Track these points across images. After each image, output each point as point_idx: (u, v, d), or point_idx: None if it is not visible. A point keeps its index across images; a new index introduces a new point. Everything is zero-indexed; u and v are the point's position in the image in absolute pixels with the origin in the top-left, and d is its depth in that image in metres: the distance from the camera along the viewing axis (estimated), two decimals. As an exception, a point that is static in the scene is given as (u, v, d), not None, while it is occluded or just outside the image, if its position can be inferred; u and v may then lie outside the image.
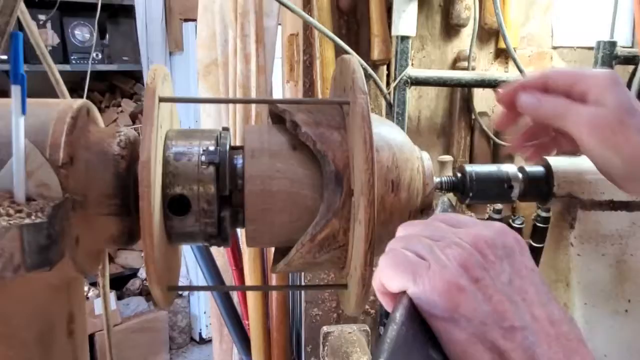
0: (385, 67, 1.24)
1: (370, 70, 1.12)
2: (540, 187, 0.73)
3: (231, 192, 0.64)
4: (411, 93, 1.31)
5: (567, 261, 0.74)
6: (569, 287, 0.73)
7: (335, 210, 0.61)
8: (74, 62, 2.81)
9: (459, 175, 0.73)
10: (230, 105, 1.45)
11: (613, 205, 0.70)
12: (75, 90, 2.70)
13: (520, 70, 1.13)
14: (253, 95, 1.46)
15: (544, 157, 0.74)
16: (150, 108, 0.58)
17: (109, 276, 0.82)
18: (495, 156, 1.32)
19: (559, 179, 0.72)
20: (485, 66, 1.29)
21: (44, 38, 2.81)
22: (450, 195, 0.70)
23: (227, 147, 0.65)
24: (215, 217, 0.64)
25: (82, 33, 3.11)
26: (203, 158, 0.64)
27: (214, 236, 0.66)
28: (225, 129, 0.69)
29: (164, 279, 0.60)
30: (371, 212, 0.56)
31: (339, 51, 1.11)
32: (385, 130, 0.66)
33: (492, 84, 1.18)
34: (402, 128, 1.17)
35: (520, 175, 0.72)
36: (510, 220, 1.29)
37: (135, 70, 3.17)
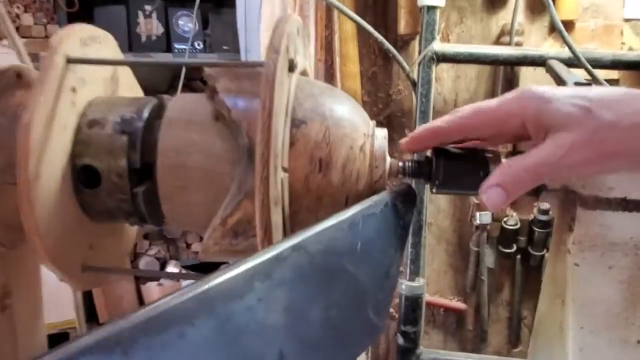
0: (417, 43, 1.12)
1: (387, 45, 1.01)
2: None
3: (148, 165, 0.58)
4: (447, 73, 1.18)
5: (564, 271, 0.60)
6: (564, 305, 0.59)
7: (248, 191, 0.53)
8: (176, 51, 2.93)
9: (426, 157, 0.61)
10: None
11: (626, 205, 0.55)
12: (178, 78, 2.81)
13: (573, 51, 0.96)
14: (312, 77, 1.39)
15: None
16: (46, 68, 0.53)
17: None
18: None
19: (551, 168, 0.57)
20: (537, 42, 1.12)
21: (148, 28, 2.94)
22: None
23: (146, 115, 0.59)
24: (128, 193, 0.59)
25: (185, 23, 3.23)
26: (117, 127, 0.59)
27: (131, 214, 0.61)
28: (160, 96, 0.64)
29: (64, 255, 0.55)
30: (264, 191, 0.47)
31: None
32: (326, 101, 0.57)
33: (537, 62, 1.01)
34: (426, 111, 1.04)
35: (502, 161, 0.59)
36: (502, 222, 1.12)
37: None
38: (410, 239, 1.11)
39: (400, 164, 0.62)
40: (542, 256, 1.19)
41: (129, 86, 0.74)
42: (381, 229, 0.51)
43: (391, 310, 1.34)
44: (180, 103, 0.61)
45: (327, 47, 1.16)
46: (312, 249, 0.41)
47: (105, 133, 0.59)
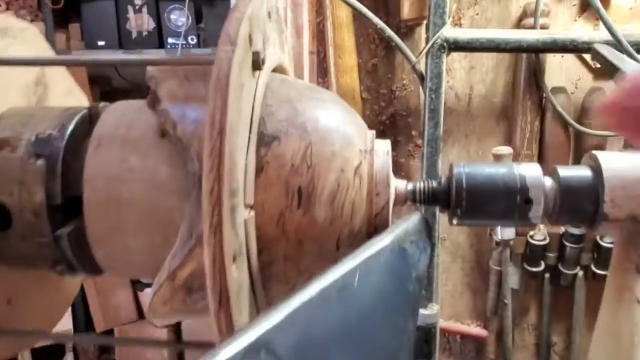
0: (424, 29, 0.98)
1: (389, 32, 0.87)
2: (581, 203, 0.45)
3: (73, 199, 0.45)
4: (460, 64, 1.03)
5: (631, 328, 0.46)
6: (632, 373, 0.45)
7: (200, 234, 0.39)
8: (169, 47, 2.82)
9: (443, 179, 0.47)
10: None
11: None
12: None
13: (613, 33, 0.81)
14: (306, 74, 1.25)
15: (596, 155, 0.46)
16: None
17: None
18: (578, 149, 1.00)
19: (614, 191, 0.44)
20: (566, 24, 0.98)
21: (139, 23, 2.83)
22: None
23: (69, 131, 0.45)
24: (50, 236, 0.45)
25: (177, 17, 3.13)
26: (30, 148, 0.45)
27: (57, 261, 0.47)
28: (94, 105, 0.50)
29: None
30: (216, 244, 0.33)
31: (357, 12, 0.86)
32: (307, 108, 0.43)
33: (568, 48, 0.87)
34: (437, 109, 0.90)
35: (547, 182, 0.45)
36: (528, 237, 0.99)
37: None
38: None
39: (410, 187, 0.49)
40: (575, 275, 1.05)
41: (66, 91, 0.60)
42: (385, 289, 0.37)
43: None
44: (116, 114, 0.48)
45: (318, 37, 1.01)
46: (280, 347, 0.27)
47: (15, 157, 0.46)
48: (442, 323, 1.20)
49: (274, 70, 0.48)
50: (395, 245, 0.41)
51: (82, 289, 1.73)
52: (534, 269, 1.07)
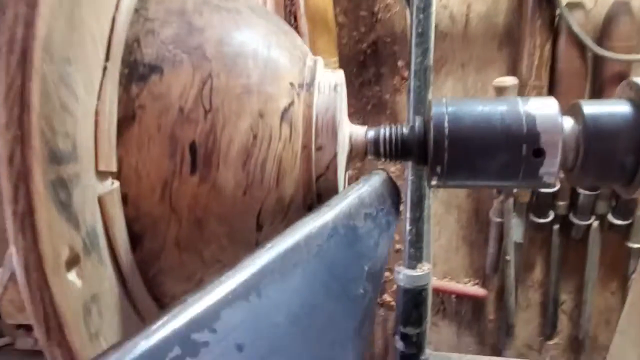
0: None
1: None
2: (615, 153, 0.32)
3: None
4: (455, -24, 0.88)
5: None
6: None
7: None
8: None
9: (417, 124, 0.34)
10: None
11: None
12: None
13: None
14: None
15: (634, 83, 0.33)
16: None
17: None
18: (596, 78, 0.87)
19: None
20: None
21: None
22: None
23: None
24: None
25: None
26: None
27: None
28: None
29: None
30: (26, 245, 0.21)
31: None
32: (210, 21, 0.31)
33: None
34: (426, 33, 0.77)
35: (566, 124, 0.33)
36: None
37: None
38: (408, 213, 0.85)
39: (371, 135, 0.37)
40: (588, 226, 0.94)
41: None
42: (314, 300, 0.25)
43: (388, 297, 1.10)
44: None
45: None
46: None
47: None
48: (435, 282, 1.10)
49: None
50: (341, 222, 0.29)
51: None
52: (541, 220, 0.96)
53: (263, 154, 0.30)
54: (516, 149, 0.34)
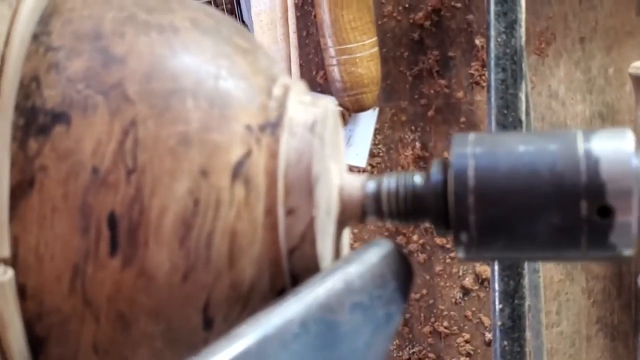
0: None
1: None
2: None
3: None
4: None
5: None
6: None
7: None
8: None
9: (434, 171, 0.42)
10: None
11: None
12: None
13: None
14: None
15: None
16: None
17: None
18: None
19: None
20: None
21: None
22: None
23: None
24: None
25: None
26: None
27: None
28: None
29: None
30: None
31: None
32: (135, 45, 0.41)
33: None
34: (514, 0, 0.86)
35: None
36: None
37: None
38: (496, 283, 0.93)
39: (371, 187, 0.45)
40: None
41: None
42: None
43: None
44: None
45: None
46: None
47: None
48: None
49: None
50: (313, 317, 0.37)
51: None
52: None
53: (208, 225, 0.38)
54: (572, 207, 0.41)
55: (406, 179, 0.44)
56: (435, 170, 0.44)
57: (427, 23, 1.03)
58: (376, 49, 0.97)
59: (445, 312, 1.05)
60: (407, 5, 1.03)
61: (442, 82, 1.04)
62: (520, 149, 0.42)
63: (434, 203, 0.43)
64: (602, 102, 1.02)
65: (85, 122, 0.37)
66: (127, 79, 0.38)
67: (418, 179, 0.44)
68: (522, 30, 0.87)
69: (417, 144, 1.04)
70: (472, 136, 0.43)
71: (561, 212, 0.41)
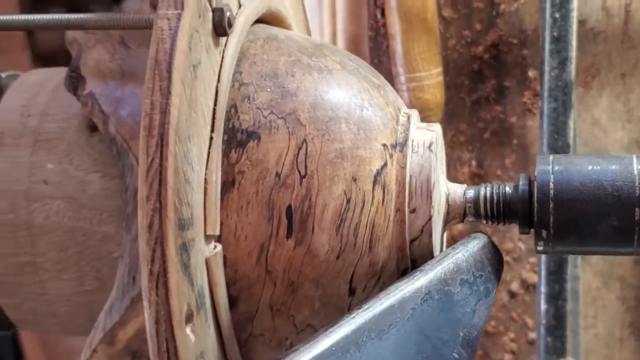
0: None
1: None
2: None
3: None
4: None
5: None
6: None
7: None
8: None
9: (521, 182, 0.55)
10: None
11: None
12: None
13: None
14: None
15: None
16: None
17: None
18: None
19: None
20: None
21: None
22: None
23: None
24: None
25: None
26: None
27: None
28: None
29: None
30: (159, 300, 0.43)
31: None
32: (302, 83, 0.53)
33: None
34: (565, 34, 0.96)
35: None
36: None
37: None
38: (542, 286, 1.04)
39: (470, 194, 0.57)
40: None
41: None
42: None
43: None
44: (25, 94, 0.57)
45: None
46: None
47: None
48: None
49: (259, 20, 0.57)
50: (435, 287, 0.49)
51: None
52: None
53: (356, 218, 0.50)
54: (629, 213, 0.53)
55: (499, 189, 0.56)
56: (522, 182, 0.55)
57: (486, 56, 1.11)
58: (441, 77, 1.06)
59: (493, 313, 1.13)
60: (469, 40, 1.11)
61: (498, 108, 1.11)
62: (589, 168, 0.54)
63: (521, 208, 0.55)
64: (639, 131, 1.09)
65: (271, 139, 0.48)
66: (299, 108, 0.49)
67: (508, 188, 0.56)
68: (573, 67, 0.98)
69: (474, 162, 1.11)
70: (552, 157, 0.55)
71: (619, 217, 0.53)
